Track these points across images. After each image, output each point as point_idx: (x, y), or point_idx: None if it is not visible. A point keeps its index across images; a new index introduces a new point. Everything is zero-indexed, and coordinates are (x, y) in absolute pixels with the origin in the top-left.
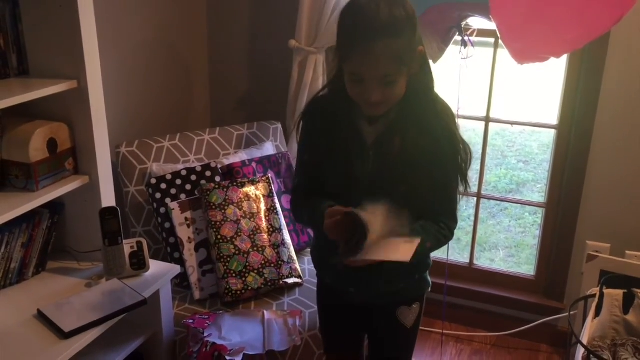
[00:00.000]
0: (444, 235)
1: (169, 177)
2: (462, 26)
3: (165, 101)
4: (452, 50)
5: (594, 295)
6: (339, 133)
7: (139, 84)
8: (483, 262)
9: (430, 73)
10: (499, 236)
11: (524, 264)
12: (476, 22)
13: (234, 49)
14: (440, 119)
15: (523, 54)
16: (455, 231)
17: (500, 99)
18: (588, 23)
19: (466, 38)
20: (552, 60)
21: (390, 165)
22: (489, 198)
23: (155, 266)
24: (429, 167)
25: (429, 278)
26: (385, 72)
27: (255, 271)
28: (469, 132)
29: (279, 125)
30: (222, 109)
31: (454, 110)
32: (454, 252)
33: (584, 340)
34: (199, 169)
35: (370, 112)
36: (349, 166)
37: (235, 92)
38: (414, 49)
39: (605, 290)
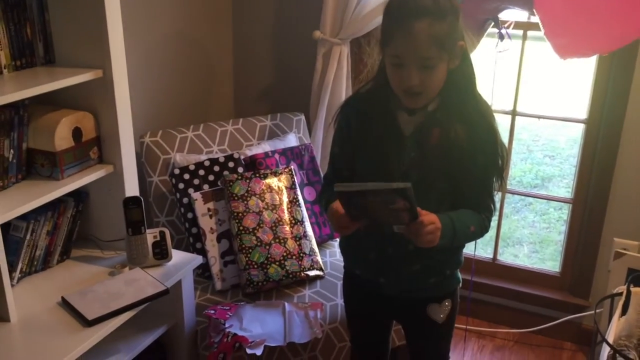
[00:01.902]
0: (485, 225)
1: (192, 167)
2: (499, 19)
3: (189, 92)
4: (485, 43)
5: (620, 294)
6: (375, 123)
7: (164, 74)
8: (507, 257)
9: (472, 69)
10: (522, 231)
11: (548, 260)
12: (511, 14)
13: (258, 39)
14: (482, 116)
15: (567, 49)
16: None
17: (528, 92)
18: (635, 19)
19: (503, 31)
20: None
21: (427, 156)
22: (515, 193)
23: (178, 256)
24: (467, 161)
25: (459, 275)
26: (425, 53)
27: (277, 263)
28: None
29: (302, 117)
30: (245, 100)
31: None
32: (477, 247)
33: (610, 339)
34: (222, 159)
35: (410, 103)
36: (383, 157)
37: (259, 83)
38: (456, 38)
39: (633, 289)
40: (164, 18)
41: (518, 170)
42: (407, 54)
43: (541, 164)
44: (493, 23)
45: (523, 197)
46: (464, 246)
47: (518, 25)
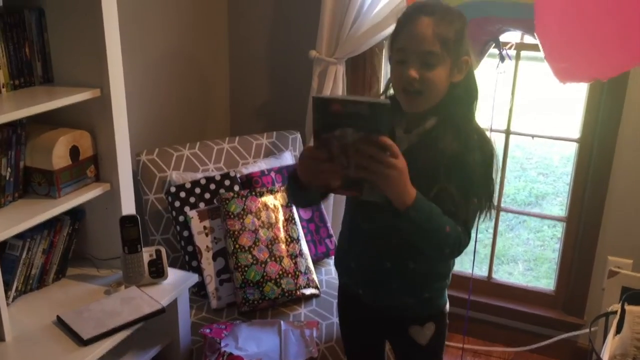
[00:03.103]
0: (459, 238)
1: (188, 185)
2: (500, 40)
3: (185, 110)
4: (485, 64)
5: (615, 312)
6: None
7: (161, 92)
8: (501, 275)
9: (475, 89)
10: (517, 249)
11: (543, 278)
12: (511, 35)
13: (255, 58)
14: (479, 137)
15: (567, 74)
16: (472, 243)
17: (522, 111)
18: (635, 48)
19: (504, 52)
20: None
21: (419, 176)
22: (509, 211)
23: (174, 274)
24: (455, 179)
25: (445, 298)
26: (428, 47)
27: (273, 281)
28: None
29: (298, 135)
30: (242, 118)
31: (488, 125)
32: (462, 264)
33: (605, 358)
34: (218, 177)
35: (408, 105)
36: None
37: (255, 101)
38: (460, 49)
39: (627, 307)
40: (161, 37)
41: (512, 188)
42: (410, 46)
43: (535, 181)
44: (494, 44)
45: (517, 214)
46: (448, 271)
47: (513, 46)
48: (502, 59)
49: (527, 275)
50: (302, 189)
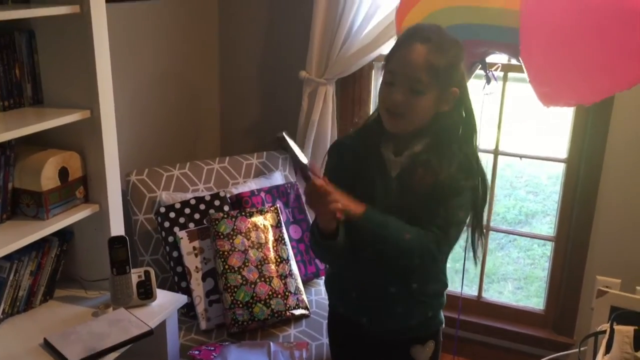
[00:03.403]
0: (427, 244)
1: (177, 205)
2: (487, 62)
3: (176, 130)
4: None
5: (604, 332)
6: (365, 162)
7: (151, 113)
8: (492, 294)
9: (466, 119)
10: (507, 268)
11: (533, 297)
12: (497, 57)
13: (245, 79)
14: (468, 162)
15: (550, 98)
16: (462, 262)
17: (510, 131)
18: (619, 75)
19: (490, 74)
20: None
21: (410, 196)
22: (498, 231)
23: (162, 296)
24: (448, 200)
25: (442, 315)
26: (417, 75)
27: (262, 302)
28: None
29: (288, 155)
30: (232, 138)
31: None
32: (453, 283)
33: None
34: (208, 198)
35: (390, 125)
36: (372, 196)
37: (246, 121)
38: (450, 80)
39: (616, 327)
40: (151, 58)
41: (502, 207)
42: (400, 70)
43: (525, 200)
44: (480, 66)
45: (527, 236)
46: (445, 287)
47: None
48: (488, 80)
49: (517, 294)
50: (328, 237)
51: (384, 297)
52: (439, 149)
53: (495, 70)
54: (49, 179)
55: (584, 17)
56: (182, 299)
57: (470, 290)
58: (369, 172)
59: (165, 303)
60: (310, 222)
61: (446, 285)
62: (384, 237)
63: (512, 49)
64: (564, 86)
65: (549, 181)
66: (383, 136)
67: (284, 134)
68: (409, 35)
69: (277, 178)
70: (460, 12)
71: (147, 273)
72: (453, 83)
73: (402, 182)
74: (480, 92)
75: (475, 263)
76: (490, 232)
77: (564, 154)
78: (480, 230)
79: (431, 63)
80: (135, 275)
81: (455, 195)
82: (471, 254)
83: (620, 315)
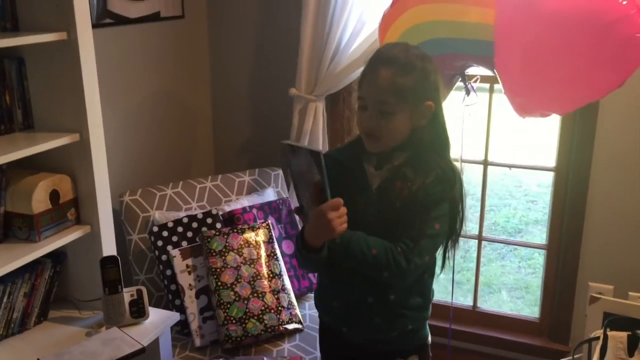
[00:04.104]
0: (395, 258)
1: (170, 224)
2: (466, 74)
3: (170, 150)
4: (453, 96)
5: (597, 338)
6: (348, 175)
7: (144, 133)
8: (492, 304)
9: (440, 132)
10: (508, 277)
11: (534, 306)
12: (478, 69)
13: (237, 97)
14: (446, 175)
15: (525, 109)
16: (463, 273)
17: (500, 141)
18: (591, 86)
19: (469, 86)
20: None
21: (389, 209)
22: (490, 240)
23: (155, 314)
24: (424, 212)
25: (427, 330)
26: (383, 98)
27: (255, 317)
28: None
29: (280, 172)
30: (225, 156)
31: (457, 156)
32: (457, 296)
33: None
34: (200, 216)
35: (370, 146)
36: (352, 208)
37: (238, 139)
38: (422, 96)
39: (609, 333)
40: (143, 80)
41: (501, 217)
42: (369, 96)
43: (524, 209)
44: (460, 78)
45: (519, 245)
46: (428, 301)
47: (485, 79)
48: (467, 92)
49: (519, 303)
50: (315, 251)
51: (362, 307)
52: (417, 162)
53: (475, 82)
54: (40, 201)
55: (555, 30)
56: (174, 316)
57: (466, 301)
58: (350, 184)
59: (158, 321)
60: None
61: (429, 300)
62: (351, 254)
63: (488, 62)
64: (538, 97)
65: (548, 189)
66: (366, 151)
67: (286, 141)
68: (374, 61)
69: (270, 194)
70: (438, 27)
71: (139, 292)
72: (425, 97)
73: (381, 195)
74: (461, 104)
75: (441, 272)
76: (489, 242)
77: (552, 163)
78: (454, 240)
79: (397, 84)
80: (127, 294)
81: (432, 208)
82: (471, 264)
83: (613, 321)
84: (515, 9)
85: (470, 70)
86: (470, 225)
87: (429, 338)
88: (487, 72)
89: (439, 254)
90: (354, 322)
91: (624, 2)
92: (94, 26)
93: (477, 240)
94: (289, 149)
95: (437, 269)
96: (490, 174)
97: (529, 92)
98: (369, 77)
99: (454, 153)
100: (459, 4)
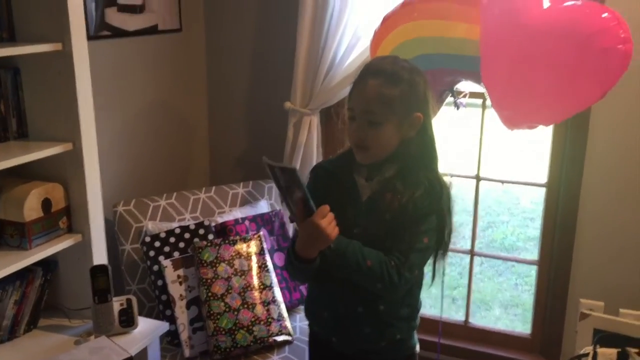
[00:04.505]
0: (389, 272)
1: (162, 235)
2: (455, 89)
3: (165, 161)
4: (443, 112)
5: (587, 354)
6: (339, 186)
7: (140, 144)
8: (489, 321)
9: (429, 144)
10: (504, 294)
11: (530, 323)
12: (467, 85)
13: (233, 110)
14: (434, 188)
15: (512, 121)
16: (460, 289)
17: (493, 157)
18: (573, 98)
19: (458, 101)
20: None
21: (378, 220)
22: (481, 255)
23: (144, 323)
24: (409, 223)
25: (415, 340)
26: (371, 108)
27: (245, 328)
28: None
29: (274, 184)
30: (221, 168)
31: (445, 170)
32: (453, 312)
33: None
34: (192, 227)
35: (360, 157)
36: (342, 218)
37: (234, 152)
38: (410, 107)
39: (599, 349)
40: (139, 91)
41: (500, 233)
42: (357, 106)
43: (522, 226)
44: (450, 94)
45: (505, 259)
46: (416, 311)
47: (477, 95)
48: (457, 107)
49: (515, 320)
50: (307, 262)
51: (352, 317)
52: (406, 175)
53: (463, 97)
54: (32, 209)
55: (537, 43)
56: (163, 326)
57: (458, 316)
58: (341, 195)
59: (147, 330)
60: None
61: (417, 310)
62: (346, 263)
63: (475, 76)
64: (524, 109)
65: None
66: (357, 163)
67: (265, 158)
68: (363, 72)
69: (263, 206)
70: (426, 43)
71: (129, 301)
72: (414, 109)
73: (371, 207)
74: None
75: (431, 284)
76: (486, 259)
77: (544, 179)
78: (442, 253)
79: (384, 94)
80: (117, 304)
81: (420, 221)
82: (436, 277)
83: (603, 338)
84: (499, 24)
85: (461, 87)
86: (464, 241)
87: (417, 347)
88: (477, 88)
89: (429, 265)
90: (344, 332)
91: (604, 15)
92: (91, 38)
93: (469, 255)
94: (268, 167)
95: (428, 281)
96: (489, 192)
97: (515, 104)
98: (358, 88)
99: (444, 167)
100: (445, 20)
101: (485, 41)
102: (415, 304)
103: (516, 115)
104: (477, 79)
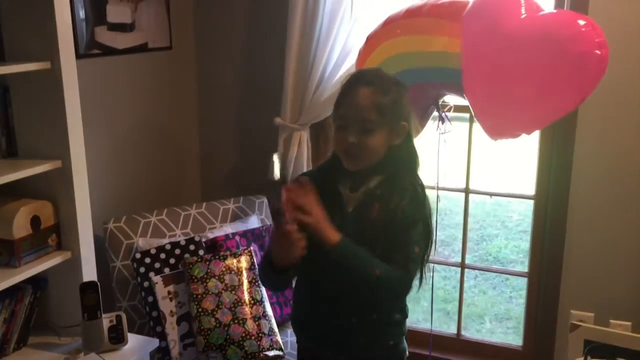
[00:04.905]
0: (398, 280)
1: (153, 251)
2: (440, 103)
3: (157, 178)
4: (431, 125)
5: None
6: (323, 197)
7: (131, 161)
8: (484, 334)
9: (413, 150)
10: (499, 307)
11: None
12: (453, 98)
13: (223, 127)
14: (418, 193)
15: (495, 131)
16: (455, 303)
17: (481, 170)
18: (553, 104)
19: (443, 114)
20: (525, 135)
21: (366, 230)
22: (471, 268)
23: (134, 340)
24: (398, 230)
25: (405, 344)
26: (366, 116)
27: (236, 344)
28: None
29: (264, 199)
30: (212, 184)
31: (434, 183)
32: (448, 325)
33: None
34: (183, 242)
35: (348, 164)
36: None
37: (225, 167)
38: (399, 115)
39: None
40: (129, 107)
41: (494, 246)
42: (350, 114)
43: (516, 239)
44: (435, 108)
45: (499, 273)
46: (406, 316)
47: (465, 109)
48: (442, 120)
49: (509, 333)
50: (280, 272)
51: (346, 328)
52: (392, 184)
53: (448, 111)
54: (20, 227)
55: (516, 52)
56: (153, 342)
57: (450, 329)
58: (326, 207)
59: (137, 347)
60: None
61: (406, 315)
62: (354, 270)
63: (458, 89)
64: (506, 118)
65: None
66: (340, 174)
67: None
68: (354, 81)
69: (253, 222)
70: (409, 58)
71: (118, 317)
72: (401, 118)
73: (358, 217)
74: (436, 132)
75: (419, 288)
76: (480, 272)
77: (532, 191)
78: (427, 260)
79: (378, 103)
80: (106, 320)
81: (409, 229)
82: (424, 283)
83: (593, 349)
84: (480, 35)
85: (447, 101)
86: (456, 254)
87: (407, 352)
88: (462, 102)
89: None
90: (338, 343)
91: (579, 21)
92: (81, 56)
93: (459, 268)
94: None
95: (415, 285)
96: (483, 205)
97: (496, 113)
98: (349, 97)
99: (432, 180)
100: (426, 35)
101: (467, 53)
102: (405, 309)
103: (498, 125)
104: (460, 92)
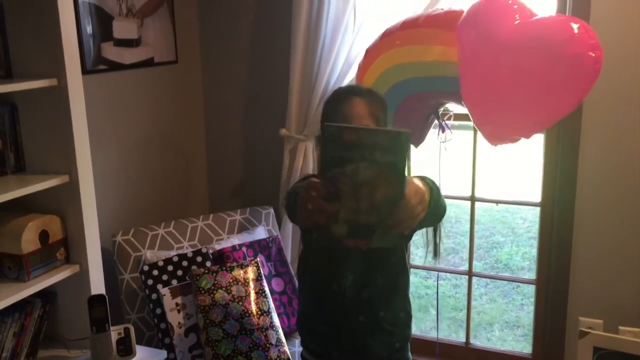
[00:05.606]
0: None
1: (160, 263)
2: (440, 112)
3: (165, 190)
4: (433, 134)
5: None
6: None
7: (139, 174)
8: (495, 342)
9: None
10: (510, 315)
11: None
12: (454, 107)
13: (230, 139)
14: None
15: (495, 136)
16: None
17: (488, 177)
18: (550, 107)
19: (443, 123)
20: (525, 140)
21: None
22: (480, 276)
23: (142, 352)
24: None
25: (409, 352)
26: (363, 123)
27: (243, 355)
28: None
29: (271, 210)
30: (220, 196)
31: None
32: (450, 332)
33: None
34: (190, 254)
35: None
36: None
37: (232, 179)
38: (385, 125)
39: None
40: (136, 121)
41: (504, 254)
42: (346, 122)
43: (527, 245)
44: (435, 116)
45: (510, 280)
46: (410, 317)
47: (468, 117)
48: (442, 129)
49: (521, 341)
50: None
51: (354, 328)
52: None
53: (448, 119)
54: (29, 242)
55: (512, 57)
56: (161, 354)
57: (458, 337)
58: None
59: (145, 359)
60: (292, 274)
61: (411, 316)
62: (442, 203)
63: (456, 96)
64: (504, 123)
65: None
66: None
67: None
68: (345, 93)
69: (260, 233)
70: (408, 68)
71: (126, 330)
72: (386, 126)
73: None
74: (437, 140)
75: (433, 257)
76: (494, 281)
77: (538, 198)
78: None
79: (371, 110)
80: (115, 333)
81: None
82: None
83: (602, 356)
84: (476, 43)
85: (447, 109)
86: (464, 262)
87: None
88: (462, 110)
89: (430, 240)
90: (345, 344)
91: (572, 24)
92: (88, 72)
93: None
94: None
95: (429, 256)
96: (494, 212)
97: (495, 119)
98: (344, 108)
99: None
100: (423, 45)
101: (463, 60)
102: (409, 310)
103: (496, 130)
104: (459, 99)
